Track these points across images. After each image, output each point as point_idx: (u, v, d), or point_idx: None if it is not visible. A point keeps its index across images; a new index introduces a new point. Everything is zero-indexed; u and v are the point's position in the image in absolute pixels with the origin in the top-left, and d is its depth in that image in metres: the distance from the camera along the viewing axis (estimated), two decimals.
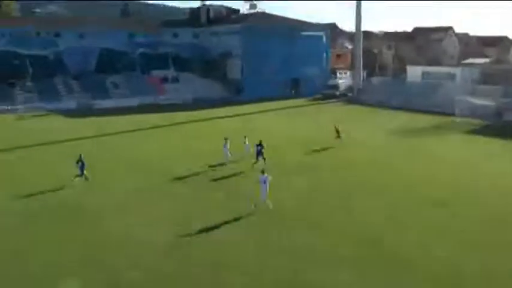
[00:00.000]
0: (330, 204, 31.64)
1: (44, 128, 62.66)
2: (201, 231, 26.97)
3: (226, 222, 28.30)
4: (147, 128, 62.22)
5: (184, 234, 26.59)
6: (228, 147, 41.76)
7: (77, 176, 36.24)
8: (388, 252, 24.40)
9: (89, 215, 29.96)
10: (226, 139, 42.05)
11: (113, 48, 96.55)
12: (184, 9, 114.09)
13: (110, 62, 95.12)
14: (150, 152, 47.59)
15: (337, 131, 50.27)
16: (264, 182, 29.93)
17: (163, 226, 27.85)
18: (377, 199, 32.65)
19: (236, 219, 28.79)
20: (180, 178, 37.76)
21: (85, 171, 36.50)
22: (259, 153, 40.13)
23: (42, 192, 34.02)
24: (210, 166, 40.97)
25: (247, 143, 43.59)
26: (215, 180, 37.39)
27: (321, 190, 34.86)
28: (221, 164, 41.25)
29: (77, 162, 36.34)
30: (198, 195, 33.71)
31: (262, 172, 30.71)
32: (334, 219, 29.04)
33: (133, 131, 60.35)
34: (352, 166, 41.71)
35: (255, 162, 39.87)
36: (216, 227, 27.69)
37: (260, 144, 40.14)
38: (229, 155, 41.70)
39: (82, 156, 36.50)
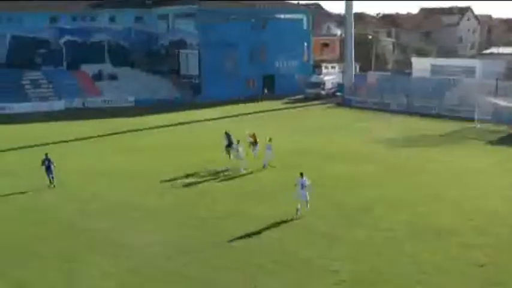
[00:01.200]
0: None
1: None
2: None
3: None
4: (70, 140, 61.47)
5: None
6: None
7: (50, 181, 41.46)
8: None
9: None
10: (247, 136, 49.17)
11: (29, 35, 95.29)
12: None
13: (25, 54, 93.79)
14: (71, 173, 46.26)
15: (254, 139, 50.76)
16: (302, 186, 34.60)
17: None
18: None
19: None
20: None
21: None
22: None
23: None
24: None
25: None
26: None
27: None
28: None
29: (42, 164, 41.09)
30: None
31: (301, 175, 34.97)
32: None
33: (57, 142, 59.28)
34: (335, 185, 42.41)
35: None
36: None
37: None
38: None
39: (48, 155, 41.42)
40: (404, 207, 36.79)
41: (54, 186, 41.32)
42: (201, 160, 49.65)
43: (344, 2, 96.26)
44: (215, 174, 46.31)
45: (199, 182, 44.01)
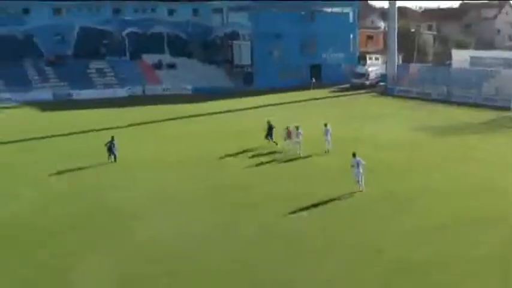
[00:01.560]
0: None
1: (9, 123, 64.91)
2: None
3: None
4: (131, 125, 63.42)
5: None
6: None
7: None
8: None
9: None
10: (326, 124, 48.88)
11: (96, 27, 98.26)
12: None
13: (92, 44, 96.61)
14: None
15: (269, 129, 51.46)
16: (358, 165, 36.20)
17: None
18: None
19: None
20: None
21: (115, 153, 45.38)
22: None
23: None
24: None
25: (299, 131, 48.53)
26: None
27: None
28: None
29: (106, 145, 45.28)
30: None
31: (354, 155, 36.68)
32: None
33: (125, 127, 61.21)
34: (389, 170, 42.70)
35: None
36: None
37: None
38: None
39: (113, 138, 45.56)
40: (452, 195, 36.29)
41: (115, 161, 45.41)
42: (257, 144, 50.79)
43: None
44: (270, 157, 47.40)
45: (257, 165, 44.97)
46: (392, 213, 33.22)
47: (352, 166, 36.71)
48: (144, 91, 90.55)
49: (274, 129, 50.36)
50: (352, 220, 32.31)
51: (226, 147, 50.16)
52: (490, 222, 31.28)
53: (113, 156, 45.57)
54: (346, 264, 26.44)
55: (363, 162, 36.40)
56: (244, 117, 69.28)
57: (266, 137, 50.49)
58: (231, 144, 51.35)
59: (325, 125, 49.09)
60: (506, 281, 24.76)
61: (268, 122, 51.11)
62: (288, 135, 48.93)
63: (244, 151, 49.06)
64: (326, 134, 48.77)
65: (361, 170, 36.38)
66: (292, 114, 66.27)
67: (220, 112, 72.74)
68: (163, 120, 67.05)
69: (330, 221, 32.06)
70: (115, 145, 45.58)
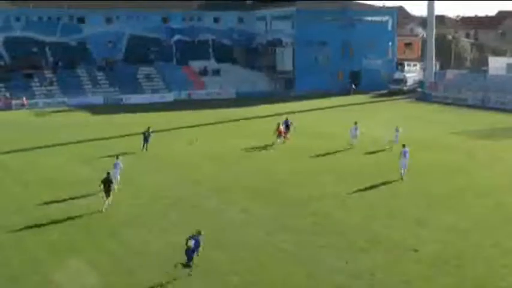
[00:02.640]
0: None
1: (63, 126, 64.98)
2: None
3: None
4: (180, 128, 63.35)
5: None
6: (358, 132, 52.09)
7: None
8: None
9: None
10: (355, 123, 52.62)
11: (145, 34, 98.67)
12: None
13: (141, 51, 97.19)
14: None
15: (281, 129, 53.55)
16: (405, 155, 39.45)
17: None
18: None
19: None
20: None
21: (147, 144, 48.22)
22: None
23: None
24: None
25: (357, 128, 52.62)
26: None
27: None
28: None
29: (143, 134, 48.66)
30: None
31: (403, 146, 40.27)
32: None
33: (172, 129, 61.26)
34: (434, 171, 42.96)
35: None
36: None
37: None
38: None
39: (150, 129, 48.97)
40: (491, 194, 36.25)
41: (146, 150, 48.43)
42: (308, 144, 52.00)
43: (426, 4, 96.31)
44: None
45: (305, 164, 45.47)
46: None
47: (400, 154, 39.86)
48: (189, 95, 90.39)
49: (292, 126, 54.73)
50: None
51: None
52: None
53: (146, 146, 48.77)
54: None
55: (408, 154, 39.58)
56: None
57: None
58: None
59: (355, 123, 52.70)
60: None
61: (287, 119, 55.67)
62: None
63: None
64: (355, 131, 52.30)
65: (406, 159, 39.44)
66: (333, 118, 68.76)
67: (266, 116, 71.54)
68: (216, 123, 67.33)
69: None
70: (150, 135, 48.93)
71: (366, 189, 37.75)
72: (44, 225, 30.84)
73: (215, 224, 30.69)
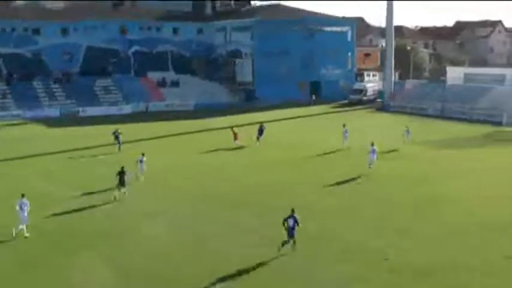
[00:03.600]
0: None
1: (18, 139, 62.71)
2: None
3: None
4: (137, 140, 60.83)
5: None
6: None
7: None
8: None
9: None
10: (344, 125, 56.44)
11: (102, 46, 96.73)
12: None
13: (98, 62, 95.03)
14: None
15: (235, 134, 57.14)
16: (373, 152, 43.74)
17: None
18: None
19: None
20: None
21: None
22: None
23: None
24: None
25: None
26: None
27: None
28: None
29: (113, 134, 52.07)
30: None
31: (372, 144, 44.08)
32: None
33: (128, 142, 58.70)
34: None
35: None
36: None
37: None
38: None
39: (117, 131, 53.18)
40: (457, 203, 36.46)
41: (119, 151, 52.34)
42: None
43: (385, 15, 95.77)
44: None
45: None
46: None
47: (369, 152, 43.79)
48: (147, 107, 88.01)
49: (264, 131, 57.34)
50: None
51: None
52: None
53: (118, 146, 53.01)
54: None
55: (377, 150, 43.93)
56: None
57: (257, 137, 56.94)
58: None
59: (344, 125, 56.64)
60: None
61: (261, 124, 58.58)
62: (235, 136, 55.56)
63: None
64: (345, 134, 55.47)
65: (374, 157, 43.87)
66: (294, 129, 70.40)
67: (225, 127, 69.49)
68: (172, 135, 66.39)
69: None
70: (118, 137, 53.32)
71: (339, 197, 38.09)
72: None
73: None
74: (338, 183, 41.45)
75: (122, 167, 36.76)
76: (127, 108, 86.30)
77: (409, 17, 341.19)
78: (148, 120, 77.28)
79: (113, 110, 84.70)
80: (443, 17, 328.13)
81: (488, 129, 69.23)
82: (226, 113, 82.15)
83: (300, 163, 49.39)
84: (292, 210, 27.32)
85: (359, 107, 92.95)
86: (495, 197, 37.70)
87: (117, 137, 52.74)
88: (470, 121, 74.66)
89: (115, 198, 36.35)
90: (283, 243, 26.87)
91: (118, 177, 36.57)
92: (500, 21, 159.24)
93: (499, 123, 72.41)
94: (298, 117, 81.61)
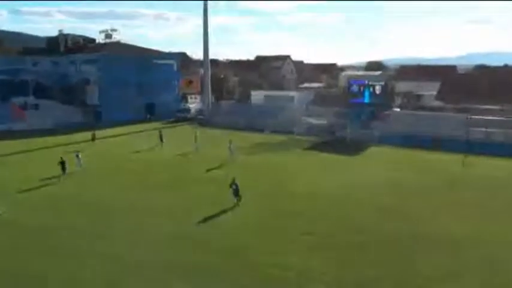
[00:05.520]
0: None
1: None
2: None
3: None
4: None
5: None
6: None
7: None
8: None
9: None
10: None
11: None
12: (41, 37, 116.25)
13: None
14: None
15: (93, 136, 67.41)
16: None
17: None
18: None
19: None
20: None
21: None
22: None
23: None
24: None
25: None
26: None
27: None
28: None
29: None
30: None
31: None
32: None
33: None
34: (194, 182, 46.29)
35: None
36: None
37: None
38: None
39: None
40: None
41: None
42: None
43: (202, 50, 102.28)
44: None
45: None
46: None
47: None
48: (11, 127, 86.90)
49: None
50: None
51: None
52: None
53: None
54: None
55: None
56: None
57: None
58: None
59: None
60: None
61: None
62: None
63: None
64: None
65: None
66: (133, 140, 72.02)
67: (84, 141, 71.82)
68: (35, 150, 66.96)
69: None
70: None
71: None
72: None
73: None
74: None
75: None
76: None
77: (222, 52, 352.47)
78: (12, 138, 76.24)
79: None
80: (248, 52, 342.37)
81: (282, 137, 73.17)
82: (79, 130, 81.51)
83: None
84: (233, 179, 38.15)
85: (185, 123, 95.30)
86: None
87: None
88: (272, 131, 77.82)
89: None
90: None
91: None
92: (289, 56, 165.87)
93: (292, 133, 75.45)
94: (135, 132, 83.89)
